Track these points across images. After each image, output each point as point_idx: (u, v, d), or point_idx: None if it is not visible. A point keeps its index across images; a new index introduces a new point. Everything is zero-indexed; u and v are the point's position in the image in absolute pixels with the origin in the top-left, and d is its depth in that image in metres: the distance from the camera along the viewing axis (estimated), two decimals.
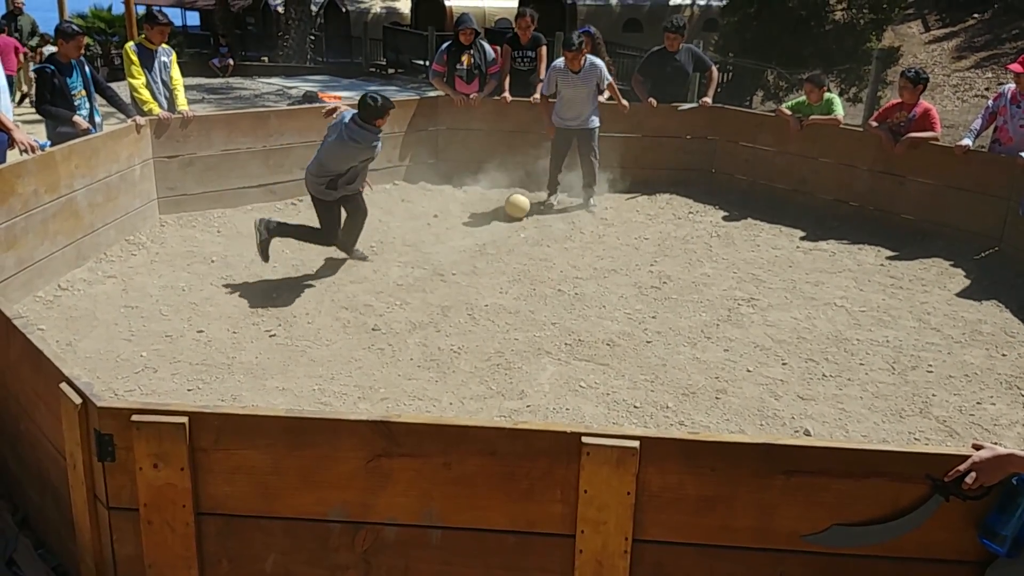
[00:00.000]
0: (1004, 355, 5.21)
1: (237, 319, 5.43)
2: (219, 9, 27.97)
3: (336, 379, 4.70)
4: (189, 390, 4.54)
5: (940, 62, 17.66)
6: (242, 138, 7.55)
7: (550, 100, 7.81)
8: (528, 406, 4.48)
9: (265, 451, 2.43)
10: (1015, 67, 6.51)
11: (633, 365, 4.95)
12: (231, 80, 19.64)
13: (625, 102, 8.16)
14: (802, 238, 7.40)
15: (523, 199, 7.77)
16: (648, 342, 5.28)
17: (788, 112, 7.95)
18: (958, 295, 6.16)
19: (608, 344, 5.22)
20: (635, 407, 4.51)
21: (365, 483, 2.44)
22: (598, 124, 7.80)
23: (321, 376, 4.73)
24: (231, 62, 21.94)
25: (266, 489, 2.48)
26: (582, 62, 7.54)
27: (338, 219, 6.18)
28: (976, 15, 19.05)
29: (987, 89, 15.28)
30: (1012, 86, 6.65)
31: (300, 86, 17.22)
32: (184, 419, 2.40)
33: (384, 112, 5.79)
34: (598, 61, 7.70)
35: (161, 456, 2.42)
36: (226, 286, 5.96)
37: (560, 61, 7.66)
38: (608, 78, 7.76)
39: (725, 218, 7.91)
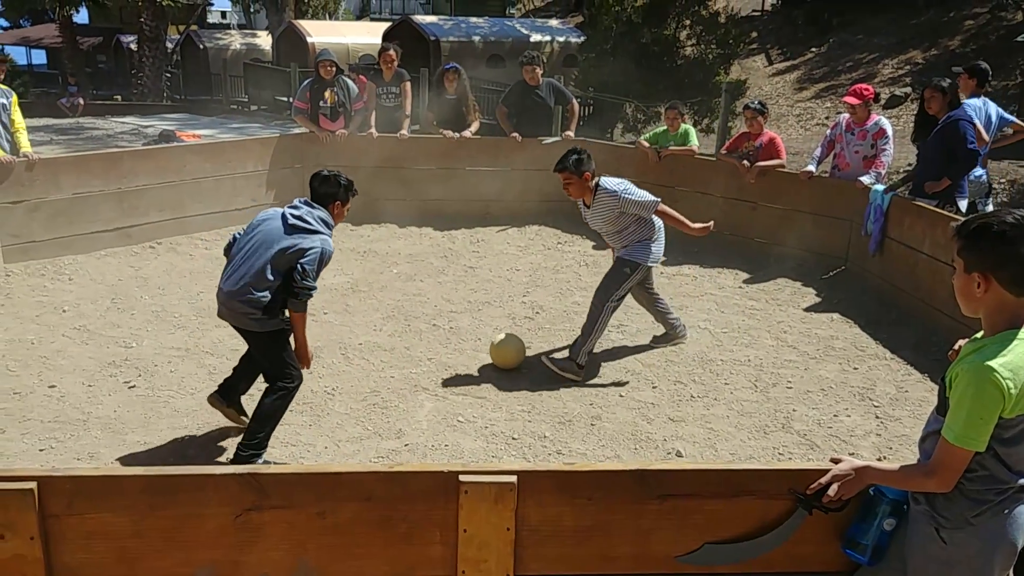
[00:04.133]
0: (856, 368, 5.54)
1: (93, 371, 5.13)
2: (67, 47, 26.84)
3: (202, 430, 4.50)
4: (41, 450, 4.24)
5: (783, 93, 18.83)
6: (93, 180, 7.20)
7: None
8: (406, 445, 4.42)
9: (124, 513, 2.29)
10: (849, 99, 7.01)
11: (510, 396, 4.98)
12: (82, 120, 18.73)
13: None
14: (664, 264, 7.66)
15: (514, 345, 5.37)
16: (524, 372, 5.32)
17: (647, 144, 8.27)
18: (811, 313, 6.53)
19: (485, 377, 5.23)
20: (513, 439, 4.52)
21: (234, 539, 2.34)
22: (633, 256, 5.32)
23: (186, 427, 4.51)
24: (81, 101, 21.00)
25: (126, 554, 2.33)
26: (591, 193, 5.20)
27: None
28: (814, 49, 20.45)
29: (827, 118, 16.38)
30: (846, 116, 7.15)
31: (156, 125, 16.63)
32: (32, 484, 2.24)
33: None
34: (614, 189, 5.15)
35: (8, 526, 2.24)
36: (80, 337, 5.62)
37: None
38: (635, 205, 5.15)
39: (593, 247, 8.11)
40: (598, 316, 5.23)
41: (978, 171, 6.85)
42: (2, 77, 6.91)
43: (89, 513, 2.29)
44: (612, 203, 5.09)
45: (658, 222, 5.31)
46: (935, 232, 6.02)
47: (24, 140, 6.96)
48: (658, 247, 5.35)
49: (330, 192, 4.13)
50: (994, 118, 6.91)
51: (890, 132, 7.02)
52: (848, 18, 20.62)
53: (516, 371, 5.31)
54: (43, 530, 2.27)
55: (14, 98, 7.00)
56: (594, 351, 5.34)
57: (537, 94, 8.52)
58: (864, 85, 7.22)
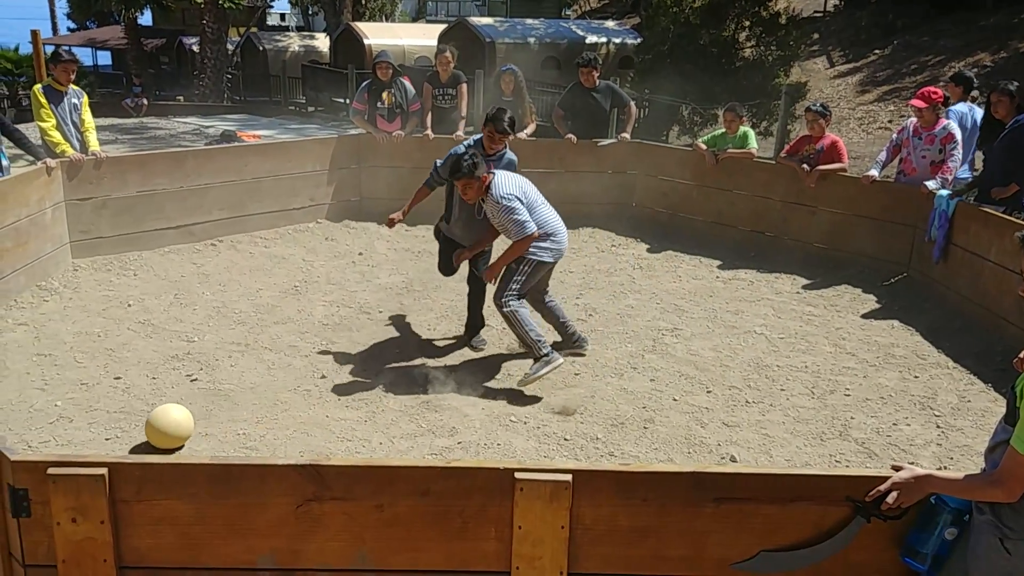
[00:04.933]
0: (916, 377, 5.43)
1: (156, 364, 5.27)
2: (132, 48, 27.64)
3: (262, 422, 4.59)
4: (107, 439, 4.38)
5: (845, 96, 18.48)
6: (158, 179, 7.39)
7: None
8: (459, 443, 4.45)
9: (189, 501, 2.36)
10: (916, 102, 6.86)
11: (562, 397, 4.98)
12: (145, 120, 19.26)
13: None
14: (721, 268, 7.60)
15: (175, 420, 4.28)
16: (576, 374, 5.32)
17: (704, 147, 8.20)
18: (871, 320, 6.40)
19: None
20: (565, 439, 4.53)
21: (295, 529, 2.39)
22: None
23: (246, 420, 4.61)
24: (145, 102, 21.58)
25: (191, 540, 2.40)
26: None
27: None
28: (877, 51, 20.03)
29: (890, 121, 16.02)
30: (914, 120, 7.00)
31: (217, 125, 17.02)
32: (103, 470, 2.32)
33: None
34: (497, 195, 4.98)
35: (80, 510, 2.32)
36: (144, 330, 5.78)
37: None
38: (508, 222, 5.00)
39: (647, 250, 8.07)
40: (508, 319, 5.05)
41: (964, 173, 6.96)
42: (73, 78, 7.13)
43: (156, 499, 2.36)
44: (494, 208, 4.96)
45: (549, 216, 5.17)
46: (1002, 239, 5.86)
47: (93, 139, 7.18)
48: (553, 241, 5.13)
49: (489, 116, 5.43)
50: (980, 122, 6.93)
51: (959, 136, 6.85)
52: (913, 20, 20.15)
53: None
54: (113, 515, 2.34)
55: (84, 98, 7.23)
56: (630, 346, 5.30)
57: (593, 96, 8.50)
58: (932, 88, 7.05)
